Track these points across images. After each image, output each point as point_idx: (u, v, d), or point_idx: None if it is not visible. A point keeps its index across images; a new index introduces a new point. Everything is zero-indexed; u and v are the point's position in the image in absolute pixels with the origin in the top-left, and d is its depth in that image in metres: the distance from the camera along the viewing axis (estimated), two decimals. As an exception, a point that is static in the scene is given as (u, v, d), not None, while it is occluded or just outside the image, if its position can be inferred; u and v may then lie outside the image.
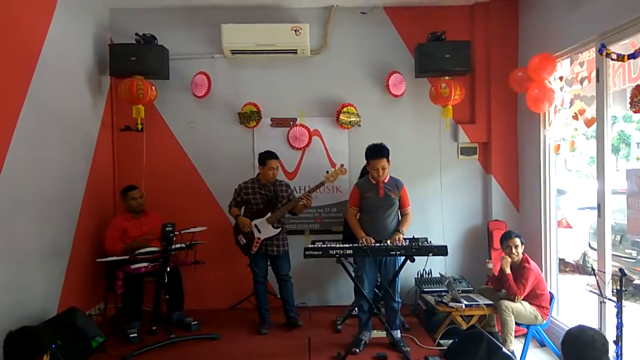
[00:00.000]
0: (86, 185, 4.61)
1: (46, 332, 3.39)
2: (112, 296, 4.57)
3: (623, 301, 3.01)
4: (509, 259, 4.16)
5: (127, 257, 4.22)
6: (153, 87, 4.84)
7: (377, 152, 4.05)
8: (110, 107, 5.14)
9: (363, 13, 5.19)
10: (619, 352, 2.99)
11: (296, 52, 4.99)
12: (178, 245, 4.25)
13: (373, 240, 3.92)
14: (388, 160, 4.06)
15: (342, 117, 5.10)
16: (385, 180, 4.11)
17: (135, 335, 4.19)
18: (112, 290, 4.39)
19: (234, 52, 4.98)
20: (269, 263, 4.60)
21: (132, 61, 4.70)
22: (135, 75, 4.72)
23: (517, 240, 4.19)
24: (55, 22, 4.11)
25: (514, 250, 4.18)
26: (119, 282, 4.12)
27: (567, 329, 2.10)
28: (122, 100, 4.86)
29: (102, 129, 4.96)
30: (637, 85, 3.24)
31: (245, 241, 4.49)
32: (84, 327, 3.83)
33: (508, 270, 4.12)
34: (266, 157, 4.46)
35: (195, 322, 4.51)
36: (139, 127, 4.94)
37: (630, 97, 3.27)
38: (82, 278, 4.48)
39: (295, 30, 4.86)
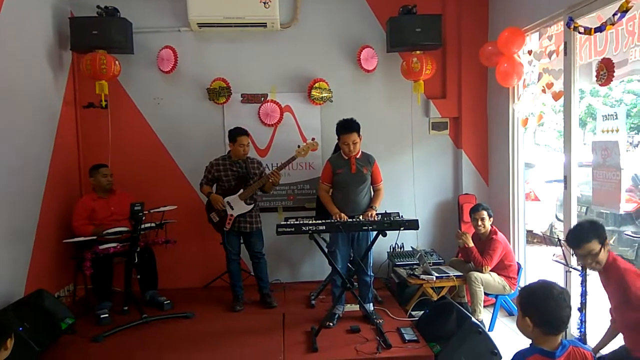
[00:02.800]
0: (50, 164, 4.45)
1: (11, 315, 3.32)
2: (81, 277, 4.48)
3: (587, 270, 3.10)
4: (468, 234, 4.29)
5: (95, 237, 4.13)
6: (116, 62, 4.67)
7: (347, 126, 4.03)
8: (72, 84, 4.94)
9: (334, -15, 5.09)
10: (583, 319, 3.10)
11: (266, 26, 4.87)
12: (148, 225, 4.18)
13: (346, 217, 3.93)
14: (359, 135, 4.05)
15: (313, 92, 5.04)
16: (358, 156, 4.10)
17: (107, 316, 4.13)
18: (80, 272, 4.29)
19: (201, 25, 4.83)
20: (242, 241, 4.57)
21: (93, 35, 4.51)
22: (97, 49, 4.54)
23: (484, 213, 4.29)
24: (9, -6, 3.89)
25: (479, 223, 4.29)
26: (87, 263, 4.04)
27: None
28: (85, 76, 4.68)
29: (65, 106, 4.78)
30: (603, 58, 3.28)
31: (218, 219, 4.45)
32: (52, 309, 3.76)
33: (470, 244, 4.23)
34: (236, 134, 4.39)
35: (169, 302, 4.47)
36: (103, 103, 4.77)
37: (596, 71, 3.32)
38: (49, 259, 4.37)
39: (265, 3, 4.73)
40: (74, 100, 4.96)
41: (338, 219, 3.89)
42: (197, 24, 4.79)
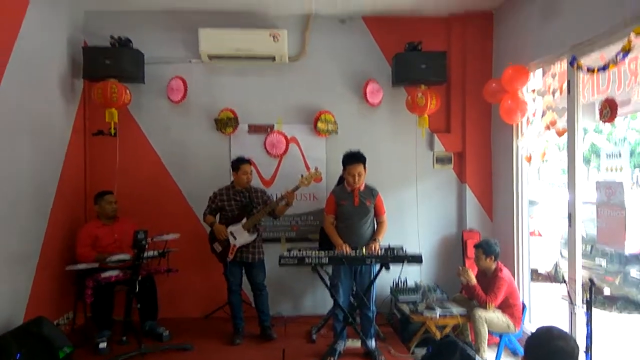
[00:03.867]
0: (56, 190, 4.49)
1: (10, 341, 3.29)
2: (81, 305, 4.44)
3: (593, 310, 3.05)
4: (470, 271, 4.22)
5: (97, 265, 4.12)
6: (127, 91, 4.75)
7: (353, 157, 4.06)
8: (82, 111, 5.02)
9: (342, 22, 5.21)
10: (589, 361, 3.03)
11: (274, 59, 4.98)
12: (150, 253, 4.16)
13: (349, 249, 3.91)
14: (364, 167, 4.07)
15: (319, 124, 5.09)
16: (361, 188, 4.11)
17: (105, 345, 4.08)
18: (81, 299, 4.27)
19: (211, 57, 4.94)
20: (243, 271, 4.54)
21: (106, 64, 4.61)
22: (109, 78, 4.63)
23: (480, 252, 4.24)
24: (26, 24, 4.00)
25: (476, 260, 4.27)
26: (89, 291, 4.02)
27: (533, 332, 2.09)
28: (95, 104, 4.75)
29: (74, 133, 4.84)
30: (607, 98, 3.32)
31: (221, 249, 4.43)
32: (51, 336, 3.71)
33: (473, 281, 4.17)
34: (239, 162, 4.43)
35: (167, 332, 4.41)
36: (112, 131, 4.83)
37: (599, 109, 3.34)
38: (50, 286, 4.34)
39: (274, 37, 4.84)
40: (84, 127, 5.03)
41: (342, 251, 3.87)
42: (208, 55, 4.90)
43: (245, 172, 4.41)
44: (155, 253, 4.21)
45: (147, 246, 4.05)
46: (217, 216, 4.55)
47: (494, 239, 4.45)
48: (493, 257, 4.22)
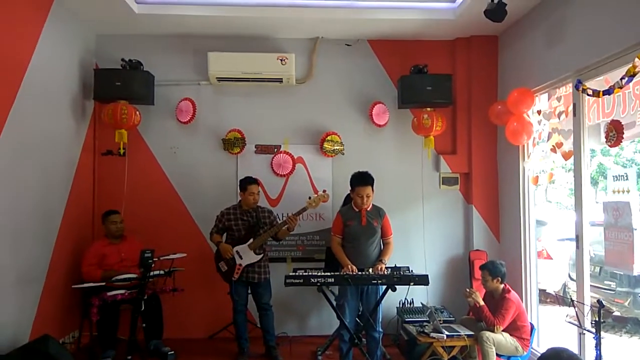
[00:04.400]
0: (65, 209, 4.53)
1: (16, 359, 3.29)
2: (87, 324, 4.44)
3: (602, 333, 3.02)
4: (477, 293, 4.20)
5: (103, 283, 4.13)
6: (137, 112, 4.83)
7: (363, 179, 4.08)
8: (92, 131, 5.10)
9: (348, 45, 5.30)
10: (599, 384, 2.98)
11: (282, 81, 5.06)
12: (156, 272, 4.17)
13: (356, 269, 3.91)
14: (372, 188, 4.09)
15: (326, 145, 5.14)
16: (368, 209, 4.12)
17: (110, 364, 4.07)
18: (87, 318, 4.27)
19: (219, 79, 5.03)
20: (249, 291, 4.54)
21: (116, 86, 4.71)
22: (119, 100, 4.72)
23: (487, 274, 4.22)
24: (40, 46, 4.11)
25: (483, 281, 4.24)
26: (95, 310, 4.01)
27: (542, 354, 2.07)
28: (105, 125, 4.84)
29: (84, 153, 4.92)
30: (613, 120, 3.34)
31: (226, 268, 4.44)
32: (57, 355, 3.68)
33: (481, 303, 4.15)
34: (246, 183, 4.46)
35: (172, 352, 4.39)
36: (121, 151, 4.91)
37: (605, 132, 3.36)
38: (56, 304, 4.36)
39: (281, 60, 4.93)
40: (93, 147, 5.10)
41: (349, 271, 3.87)
42: (217, 78, 4.99)
43: (252, 193, 4.44)
44: (162, 272, 4.22)
45: (153, 265, 4.06)
46: (224, 236, 4.56)
47: (499, 260, 4.43)
48: (500, 279, 4.19)
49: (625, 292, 6.05)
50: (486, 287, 4.23)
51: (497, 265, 4.23)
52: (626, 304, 6.02)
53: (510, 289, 4.20)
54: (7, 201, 3.68)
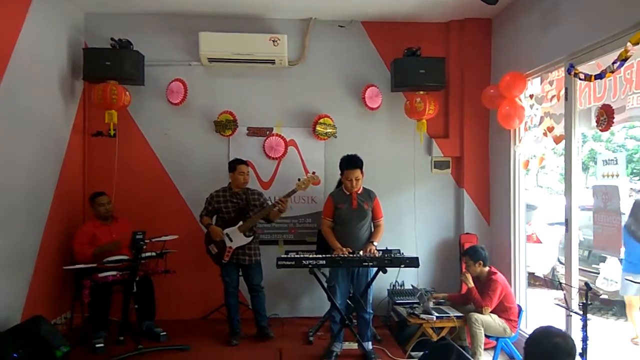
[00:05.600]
0: (55, 190, 4.50)
1: (7, 340, 3.30)
2: (78, 305, 4.45)
3: (588, 315, 3.07)
4: (469, 275, 4.26)
5: (94, 265, 4.13)
6: (127, 93, 4.78)
7: (351, 162, 4.08)
8: (82, 112, 5.04)
9: (341, 26, 5.24)
10: (584, 365, 3.05)
11: (274, 63, 5.01)
12: (148, 254, 4.18)
13: (348, 251, 3.93)
14: (362, 171, 4.09)
15: (318, 128, 5.12)
16: (359, 192, 4.13)
17: (102, 345, 4.08)
18: (78, 299, 4.27)
19: (211, 60, 4.97)
20: (240, 273, 4.55)
21: (106, 66, 4.64)
22: (109, 80, 4.66)
23: (468, 259, 4.29)
24: (27, 25, 4.03)
25: (466, 268, 4.31)
26: (86, 291, 4.02)
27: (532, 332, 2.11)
28: (95, 105, 4.78)
29: (73, 134, 4.86)
30: (604, 104, 3.35)
31: (216, 250, 4.44)
32: (48, 336, 3.72)
33: (471, 285, 4.21)
34: (235, 163, 4.46)
35: (165, 333, 4.41)
36: (112, 132, 4.85)
37: (596, 116, 3.37)
38: (48, 286, 4.36)
39: (274, 41, 4.88)
40: (83, 128, 5.05)
41: (340, 254, 3.89)
42: (208, 58, 4.93)
43: (241, 172, 4.42)
44: (153, 254, 4.22)
45: (145, 247, 4.06)
46: (214, 218, 4.56)
47: (480, 245, 4.51)
48: (482, 262, 4.27)
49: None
50: (471, 272, 4.29)
51: (477, 249, 4.31)
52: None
53: (496, 271, 4.28)
54: (-4, 182, 3.65)
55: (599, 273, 6.25)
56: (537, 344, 1.97)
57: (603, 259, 6.25)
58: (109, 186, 4.88)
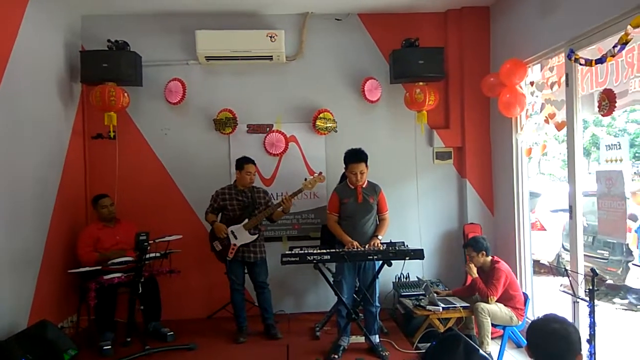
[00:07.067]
0: (57, 194, 4.50)
1: (15, 346, 3.31)
2: (84, 308, 4.45)
3: (595, 301, 3.06)
4: (472, 265, 4.25)
5: (99, 267, 4.13)
6: (125, 94, 4.76)
7: (356, 156, 4.06)
8: (81, 115, 5.03)
9: (338, 20, 5.21)
10: (592, 351, 3.04)
11: (272, 59, 4.98)
12: (152, 255, 4.18)
13: (359, 245, 3.92)
14: (366, 165, 4.08)
15: (318, 122, 5.10)
16: (364, 185, 4.12)
17: (109, 347, 4.09)
18: (84, 302, 4.28)
19: (208, 58, 4.94)
20: (246, 270, 4.55)
21: (103, 68, 4.62)
22: (107, 81, 4.64)
23: (471, 250, 4.27)
24: (24, 29, 4.01)
25: (470, 259, 4.28)
26: (92, 294, 4.02)
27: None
28: (94, 107, 4.77)
29: (73, 137, 4.86)
30: (605, 89, 3.32)
31: (220, 247, 4.44)
32: (55, 340, 3.74)
33: (474, 275, 4.20)
34: (243, 162, 4.44)
35: (171, 333, 4.42)
36: (111, 134, 4.85)
37: (598, 101, 3.35)
38: (53, 289, 4.36)
39: (271, 37, 4.85)
40: (83, 130, 5.04)
41: (351, 248, 3.88)
42: (205, 57, 4.91)
43: (248, 172, 4.42)
44: (158, 254, 4.22)
45: (149, 247, 4.06)
46: (219, 215, 4.56)
47: (481, 235, 4.49)
48: (484, 252, 4.25)
49: (618, 260, 6.13)
50: (474, 263, 4.27)
51: (478, 240, 4.30)
52: (618, 271, 6.10)
53: (499, 259, 4.27)
54: (-2, 187, 3.64)
55: (604, 259, 6.25)
56: (535, 329, 2.00)
57: (608, 245, 6.24)
58: (110, 188, 4.87)
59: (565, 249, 7.10)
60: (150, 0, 4.70)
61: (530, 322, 2.09)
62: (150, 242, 4.05)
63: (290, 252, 3.88)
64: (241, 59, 4.95)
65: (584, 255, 3.89)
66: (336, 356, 3.92)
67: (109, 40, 4.72)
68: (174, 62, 5.10)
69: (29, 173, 4.08)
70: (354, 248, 3.89)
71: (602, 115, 3.35)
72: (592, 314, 3.04)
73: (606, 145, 3.47)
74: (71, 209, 4.76)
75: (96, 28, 4.99)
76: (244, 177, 4.42)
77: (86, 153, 5.07)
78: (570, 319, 3.66)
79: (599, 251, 6.31)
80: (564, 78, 3.87)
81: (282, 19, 5.11)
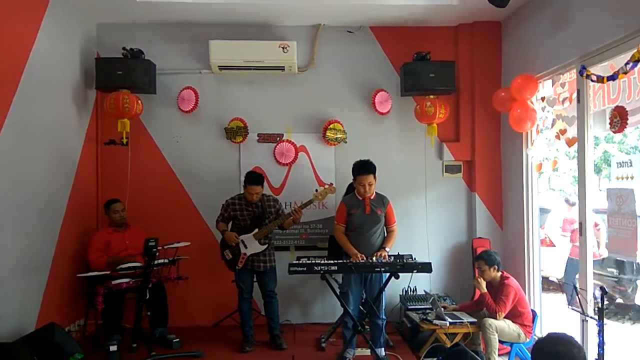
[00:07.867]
0: (68, 199, 4.55)
1: (23, 348, 3.33)
2: (92, 312, 4.48)
3: (605, 320, 3.03)
4: (482, 280, 4.22)
5: (108, 272, 4.16)
6: (139, 101, 4.82)
7: (364, 167, 4.07)
8: (95, 121, 5.10)
9: (350, 32, 5.25)
10: (601, 371, 3.00)
11: (283, 69, 5.03)
12: (161, 261, 4.20)
13: (365, 257, 3.92)
14: (375, 177, 4.09)
15: (328, 133, 5.12)
16: (372, 197, 4.12)
17: (116, 349, 4.08)
18: (92, 306, 4.30)
19: (221, 67, 5.00)
20: (255, 279, 4.56)
21: (118, 75, 4.69)
22: (121, 89, 4.71)
23: (482, 264, 4.23)
24: (41, 36, 4.09)
25: (480, 272, 4.26)
26: (100, 298, 4.05)
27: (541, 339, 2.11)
28: (108, 114, 4.83)
29: (87, 143, 4.92)
30: (617, 106, 3.31)
31: (231, 256, 4.45)
32: (62, 343, 3.75)
33: (483, 290, 4.16)
34: (247, 182, 4.37)
35: (177, 340, 4.42)
36: (124, 141, 4.91)
37: (610, 118, 3.34)
38: (62, 293, 4.39)
39: (283, 48, 4.90)
40: (96, 136, 5.10)
41: (357, 260, 3.87)
42: (218, 66, 4.97)
43: (251, 194, 4.36)
44: (166, 261, 4.24)
45: (157, 254, 4.09)
46: (230, 224, 4.57)
47: (492, 250, 4.46)
48: (496, 267, 4.22)
49: (628, 279, 6.05)
50: (484, 277, 4.24)
51: (491, 254, 4.26)
52: (629, 290, 6.02)
53: (508, 275, 4.23)
54: (11, 191, 3.69)
55: (614, 277, 6.17)
56: (540, 350, 1.97)
57: (619, 263, 6.16)
58: (121, 194, 4.92)
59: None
60: (165, 10, 4.77)
61: (536, 340, 2.07)
62: (159, 248, 4.08)
63: (297, 262, 3.88)
64: (253, 69, 5.00)
65: (593, 273, 3.85)
66: (341, 368, 3.90)
67: (124, 48, 4.79)
68: (187, 70, 5.17)
69: (42, 177, 4.13)
70: (360, 260, 3.88)
71: (614, 132, 3.34)
72: (601, 333, 3.00)
73: (617, 163, 3.45)
74: (82, 214, 4.81)
75: (111, 36, 5.08)
76: (248, 194, 4.40)
77: (99, 159, 5.13)
78: (578, 337, 3.62)
79: (608, 269, 6.23)
80: (575, 94, 3.87)
81: (294, 30, 5.17)
